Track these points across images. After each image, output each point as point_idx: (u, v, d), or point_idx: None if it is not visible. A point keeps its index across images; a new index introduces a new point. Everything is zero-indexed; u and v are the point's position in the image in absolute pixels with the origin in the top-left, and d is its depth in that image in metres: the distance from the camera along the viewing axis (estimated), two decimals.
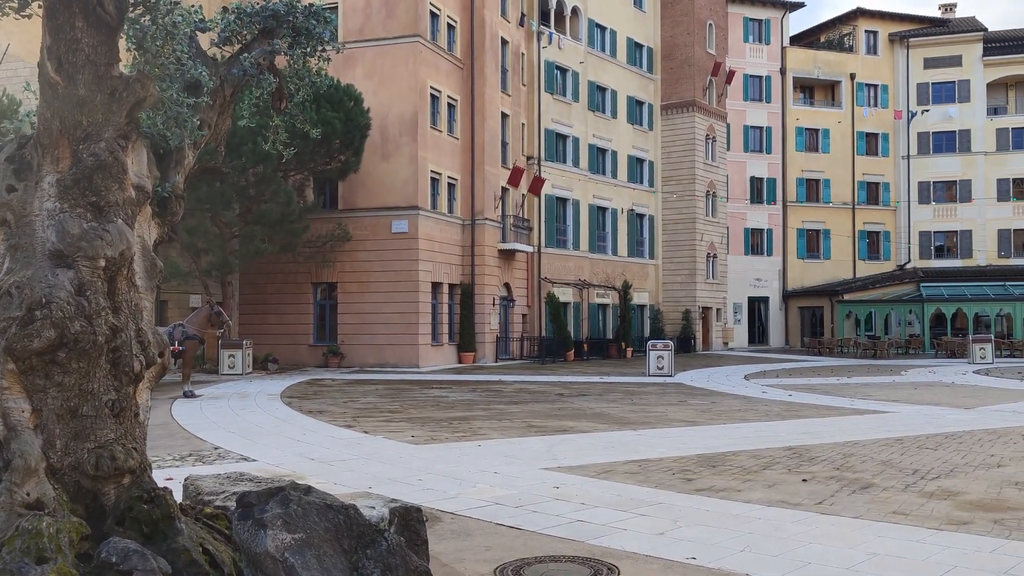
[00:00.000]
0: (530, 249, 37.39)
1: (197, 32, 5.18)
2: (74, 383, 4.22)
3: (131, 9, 4.43)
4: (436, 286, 31.98)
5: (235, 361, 26.63)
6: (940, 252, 54.19)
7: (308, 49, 5.56)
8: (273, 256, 29.36)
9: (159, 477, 7.23)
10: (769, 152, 53.35)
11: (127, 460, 4.31)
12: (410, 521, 5.39)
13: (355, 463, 10.59)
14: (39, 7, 4.17)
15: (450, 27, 33.40)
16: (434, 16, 32.15)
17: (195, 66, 5.01)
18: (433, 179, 31.86)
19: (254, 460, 10.82)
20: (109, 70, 4.24)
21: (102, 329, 4.25)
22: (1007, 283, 48.36)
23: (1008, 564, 6.29)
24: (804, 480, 9.57)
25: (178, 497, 5.06)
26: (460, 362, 32.95)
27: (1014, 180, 53.29)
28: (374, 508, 5.29)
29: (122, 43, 4.43)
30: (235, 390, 21.11)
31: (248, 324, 31.38)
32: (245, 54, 5.37)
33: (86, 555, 4.04)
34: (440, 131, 32.30)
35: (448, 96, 32.88)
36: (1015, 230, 52.96)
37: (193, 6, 5.13)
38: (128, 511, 4.26)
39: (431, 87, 31.62)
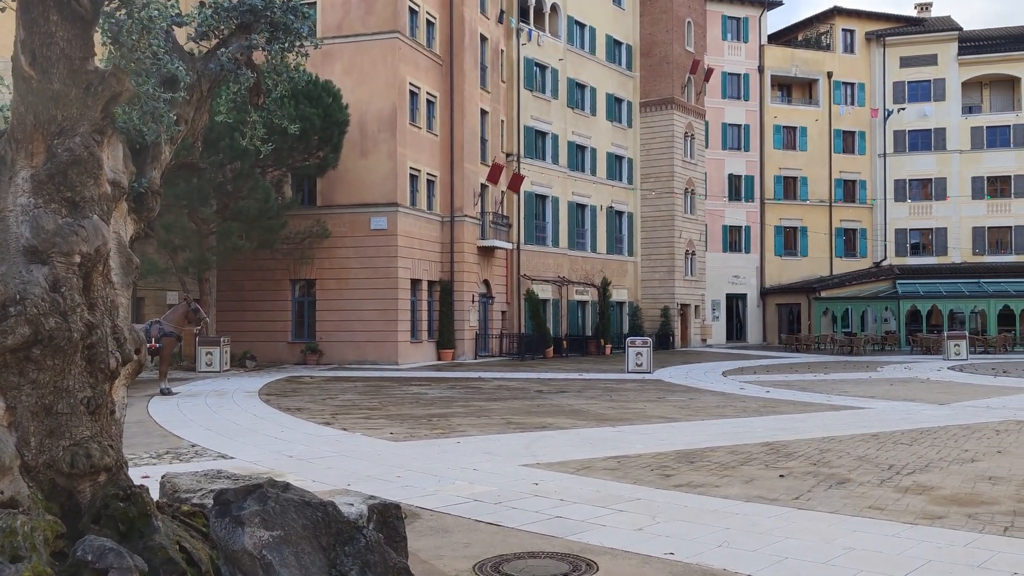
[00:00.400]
0: (509, 246, 37.41)
1: (174, 26, 5.14)
2: (49, 380, 4.18)
3: (106, 3, 4.38)
4: (415, 283, 31.93)
5: (212, 358, 26.48)
6: (916, 249, 54.68)
7: (286, 44, 5.52)
8: (251, 253, 29.19)
9: (135, 475, 7.18)
10: (747, 150, 53.64)
11: (103, 458, 4.27)
12: (389, 518, 5.38)
13: (333, 460, 10.56)
14: (13, 0, 4.13)
15: (429, 23, 33.32)
16: (413, 12, 32.08)
17: (172, 61, 4.96)
18: (412, 176, 31.79)
19: (231, 458, 10.77)
20: (84, 64, 4.20)
21: (77, 326, 4.21)
22: (981, 280, 48.92)
23: (982, 557, 6.37)
24: (781, 476, 9.63)
25: (155, 495, 5.03)
26: (439, 359, 32.91)
27: (988, 178, 53.87)
28: (352, 505, 5.28)
29: (97, 37, 4.39)
30: (212, 387, 20.98)
31: (226, 321, 31.18)
32: (222, 49, 5.33)
33: (61, 553, 4.00)
34: (419, 128, 32.23)
35: (427, 93, 32.81)
36: (989, 228, 53.53)
37: (170, 0, 5.09)
38: (104, 509, 4.22)
39: (410, 83, 31.55)
